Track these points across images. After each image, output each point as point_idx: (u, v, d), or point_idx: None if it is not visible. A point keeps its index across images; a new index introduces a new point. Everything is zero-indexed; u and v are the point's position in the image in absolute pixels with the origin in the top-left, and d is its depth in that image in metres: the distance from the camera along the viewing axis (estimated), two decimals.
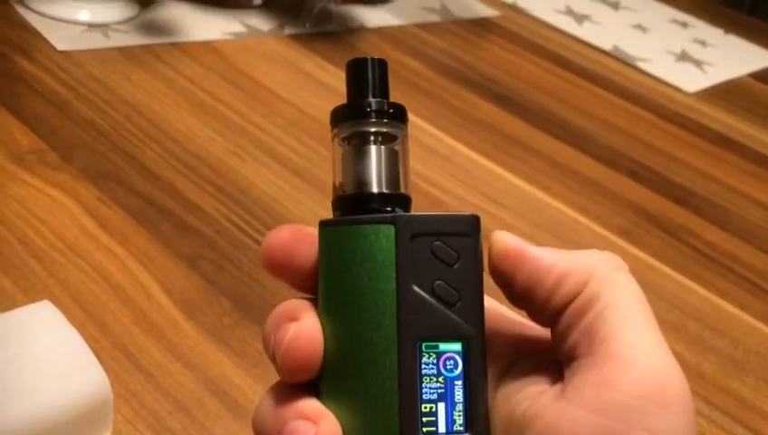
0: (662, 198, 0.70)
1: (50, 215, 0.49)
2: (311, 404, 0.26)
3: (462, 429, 0.25)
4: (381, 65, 0.29)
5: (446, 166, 0.66)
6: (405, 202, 0.29)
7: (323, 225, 0.27)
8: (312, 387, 0.26)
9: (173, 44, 0.73)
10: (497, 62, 0.90)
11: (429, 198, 0.61)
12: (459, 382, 0.25)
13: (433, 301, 0.25)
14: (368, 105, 0.28)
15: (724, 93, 0.97)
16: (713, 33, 1.19)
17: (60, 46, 0.68)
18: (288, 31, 0.83)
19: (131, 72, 0.67)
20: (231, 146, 0.61)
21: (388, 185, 0.28)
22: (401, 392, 0.25)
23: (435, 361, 0.25)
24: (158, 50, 0.72)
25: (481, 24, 0.99)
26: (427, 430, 0.25)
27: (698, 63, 1.04)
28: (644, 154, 0.77)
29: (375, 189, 0.28)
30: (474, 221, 0.26)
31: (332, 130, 0.29)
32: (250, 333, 0.44)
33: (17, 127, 0.57)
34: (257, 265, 0.49)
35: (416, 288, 0.26)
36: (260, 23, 0.83)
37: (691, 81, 0.98)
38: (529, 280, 0.26)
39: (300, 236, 0.27)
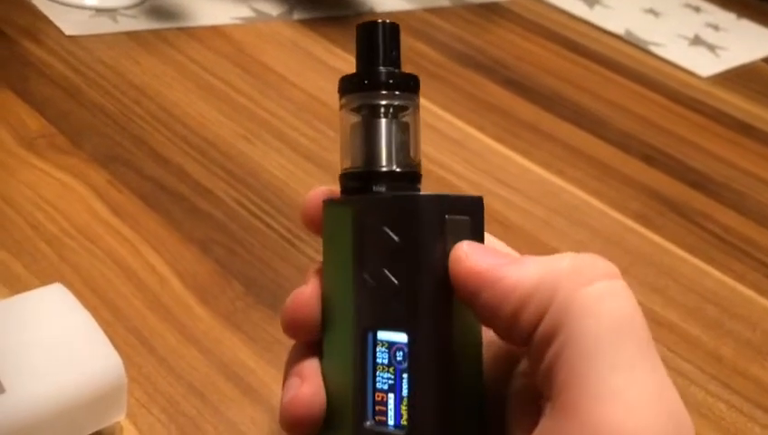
0: (678, 182, 0.69)
1: (60, 199, 0.48)
2: (309, 364, 0.26)
3: (407, 424, 0.23)
4: (393, 30, 0.27)
5: (459, 151, 0.65)
6: (413, 178, 0.27)
7: (324, 203, 0.27)
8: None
9: (181, 29, 0.73)
10: (508, 46, 0.89)
11: (443, 184, 0.60)
12: (405, 375, 0.23)
13: (380, 289, 0.24)
14: (377, 75, 0.27)
15: (738, 78, 0.96)
16: (726, 18, 1.17)
17: (68, 31, 0.67)
18: (297, 15, 0.82)
19: (140, 57, 0.67)
20: (241, 130, 0.60)
21: (398, 162, 0.26)
22: (355, 378, 0.24)
23: (387, 350, 0.24)
24: (166, 35, 0.71)
25: (491, 9, 0.98)
26: (378, 419, 0.24)
27: (712, 48, 1.03)
28: (658, 138, 0.76)
29: (383, 167, 0.26)
30: (424, 204, 0.23)
31: (341, 100, 0.28)
32: (263, 316, 0.43)
33: (26, 111, 0.56)
34: (269, 248, 0.48)
35: (366, 276, 0.24)
36: (268, 7, 0.82)
37: (705, 65, 0.97)
38: (492, 301, 0.22)
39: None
